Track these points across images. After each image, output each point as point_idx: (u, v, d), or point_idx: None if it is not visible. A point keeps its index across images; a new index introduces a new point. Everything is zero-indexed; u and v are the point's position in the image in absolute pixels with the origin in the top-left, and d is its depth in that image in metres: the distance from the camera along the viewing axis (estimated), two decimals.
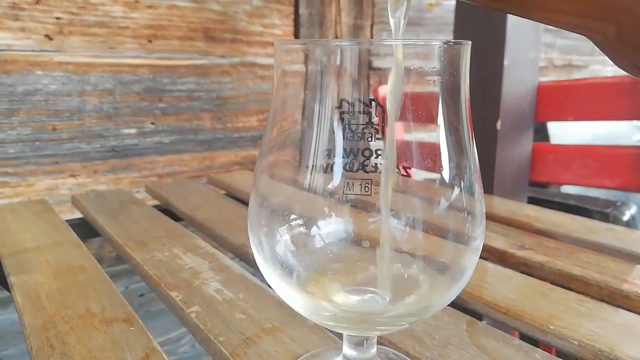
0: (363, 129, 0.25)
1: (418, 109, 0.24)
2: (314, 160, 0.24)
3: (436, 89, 0.24)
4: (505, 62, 0.77)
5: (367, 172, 0.23)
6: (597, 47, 0.22)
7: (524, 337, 0.41)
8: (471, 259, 0.26)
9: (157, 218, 0.64)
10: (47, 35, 0.81)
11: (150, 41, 0.90)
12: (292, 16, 1.05)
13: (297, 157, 0.26)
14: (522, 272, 0.50)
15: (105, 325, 0.38)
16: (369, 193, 0.23)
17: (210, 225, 0.61)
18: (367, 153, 0.25)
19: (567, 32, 0.22)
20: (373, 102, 0.25)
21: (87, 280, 0.46)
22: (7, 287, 0.47)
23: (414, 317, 0.26)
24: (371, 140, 0.23)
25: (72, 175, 0.87)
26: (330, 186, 0.24)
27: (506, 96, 0.78)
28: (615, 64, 0.22)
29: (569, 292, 0.45)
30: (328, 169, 0.24)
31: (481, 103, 0.79)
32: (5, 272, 0.48)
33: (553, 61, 1.60)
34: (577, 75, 1.70)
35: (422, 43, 0.23)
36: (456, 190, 0.26)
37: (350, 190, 0.23)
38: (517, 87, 0.80)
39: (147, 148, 0.94)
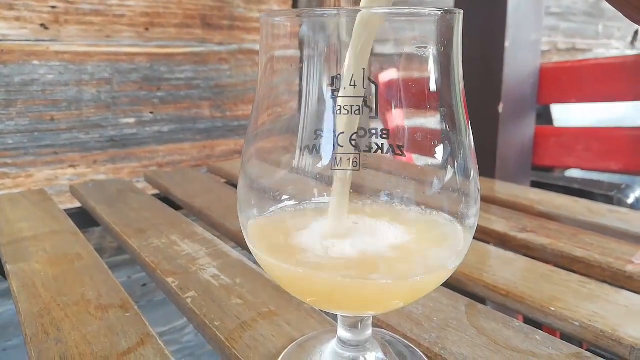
0: (356, 107, 0.24)
1: (408, 83, 0.23)
2: (303, 136, 0.24)
3: (426, 60, 0.23)
4: (507, 43, 0.76)
5: (357, 149, 0.23)
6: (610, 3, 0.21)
7: (528, 322, 0.40)
8: (465, 238, 0.26)
9: (155, 206, 0.64)
10: (42, 25, 0.81)
11: (147, 29, 0.89)
12: (290, 2, 1.04)
13: (288, 132, 0.25)
14: (524, 255, 0.49)
15: (101, 312, 0.38)
16: (357, 168, 0.22)
17: (209, 213, 0.61)
18: (360, 132, 0.24)
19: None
20: (364, 80, 0.24)
21: (84, 268, 0.45)
22: (4, 275, 0.47)
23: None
24: (359, 114, 0.22)
25: (72, 166, 0.87)
26: (319, 163, 0.23)
27: (508, 78, 0.76)
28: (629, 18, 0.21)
29: (571, 274, 0.44)
30: (318, 144, 0.23)
31: (482, 86, 0.78)
32: (2, 261, 0.48)
33: (557, 45, 1.58)
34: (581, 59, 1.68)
35: (411, 11, 0.22)
36: (450, 169, 0.26)
37: (338, 165, 0.22)
38: (519, 69, 0.78)
39: (146, 137, 0.93)
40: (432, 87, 0.24)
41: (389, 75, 0.24)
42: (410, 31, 0.23)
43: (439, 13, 0.23)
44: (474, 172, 0.26)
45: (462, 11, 0.24)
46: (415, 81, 0.24)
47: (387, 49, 0.23)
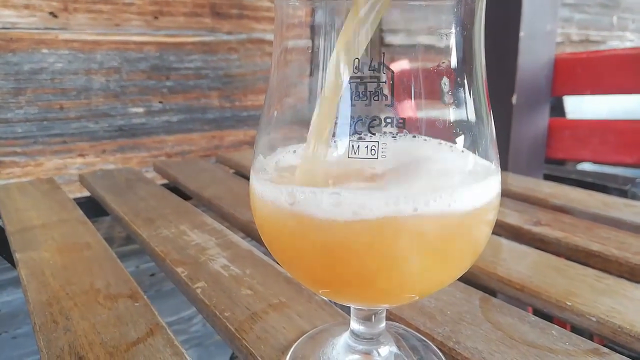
0: (371, 93, 0.23)
1: (427, 70, 0.23)
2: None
3: (448, 46, 0.22)
4: (521, 34, 0.74)
5: (374, 136, 0.22)
6: None
7: (537, 313, 0.39)
8: (483, 231, 0.25)
9: (164, 196, 0.63)
10: (51, 13, 0.80)
11: (156, 18, 0.89)
12: None
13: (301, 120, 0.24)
14: (538, 248, 0.48)
15: (110, 301, 0.38)
16: (375, 156, 0.21)
17: (218, 203, 0.60)
18: (375, 121, 0.24)
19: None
20: (382, 67, 0.23)
21: (93, 257, 0.45)
22: (14, 264, 0.47)
23: None
24: (378, 101, 0.22)
25: (81, 155, 0.87)
26: (335, 152, 0.23)
27: (522, 69, 0.75)
28: None
29: (587, 268, 0.43)
30: (334, 132, 0.23)
31: (496, 77, 0.76)
32: (11, 249, 0.48)
33: (570, 36, 1.56)
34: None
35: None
36: (471, 157, 0.25)
37: (355, 154, 0.21)
38: (534, 60, 0.77)
39: (155, 127, 0.93)
40: (453, 74, 0.23)
41: (408, 62, 0.23)
42: (430, 16, 0.22)
43: None
44: (494, 160, 0.25)
45: None
46: (435, 68, 0.23)
47: (409, 34, 0.22)
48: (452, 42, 0.23)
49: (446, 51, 0.23)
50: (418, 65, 0.23)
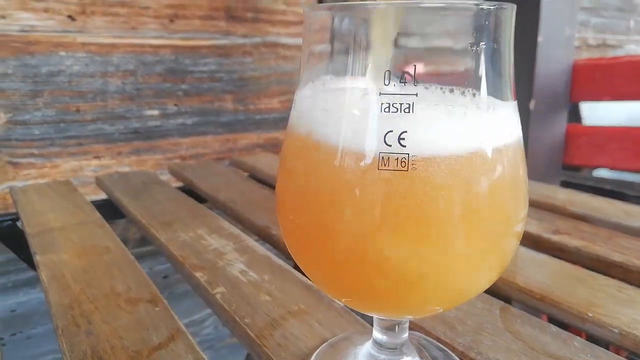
0: (396, 102, 0.23)
1: (457, 80, 0.22)
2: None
3: (478, 56, 0.22)
4: (540, 38, 0.73)
5: (404, 147, 0.22)
6: None
7: (552, 321, 0.39)
8: (512, 243, 0.25)
9: (180, 199, 0.64)
10: (69, 16, 0.81)
11: (172, 21, 0.89)
12: None
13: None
14: (557, 257, 0.48)
15: (130, 305, 0.38)
16: (405, 168, 0.21)
17: (233, 207, 0.61)
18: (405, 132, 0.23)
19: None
20: (407, 75, 0.23)
21: (112, 260, 0.45)
22: (33, 266, 0.47)
23: None
24: (408, 112, 0.21)
25: (96, 157, 0.87)
26: (362, 163, 0.22)
27: (540, 75, 0.74)
28: None
29: (608, 278, 0.42)
30: (361, 143, 0.23)
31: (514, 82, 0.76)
32: (31, 251, 0.48)
33: (587, 41, 1.54)
34: (611, 55, 1.63)
35: (460, 6, 0.21)
36: (499, 167, 0.24)
37: (385, 165, 0.21)
38: (552, 66, 0.76)
39: (170, 130, 0.93)
40: (483, 84, 0.23)
41: (437, 72, 0.23)
42: (460, 26, 0.22)
43: (491, 8, 0.22)
44: (522, 171, 0.25)
45: (514, 6, 0.22)
46: (464, 78, 0.23)
47: (438, 44, 0.22)
48: (483, 53, 0.22)
49: (477, 61, 0.22)
50: (446, 75, 0.23)
